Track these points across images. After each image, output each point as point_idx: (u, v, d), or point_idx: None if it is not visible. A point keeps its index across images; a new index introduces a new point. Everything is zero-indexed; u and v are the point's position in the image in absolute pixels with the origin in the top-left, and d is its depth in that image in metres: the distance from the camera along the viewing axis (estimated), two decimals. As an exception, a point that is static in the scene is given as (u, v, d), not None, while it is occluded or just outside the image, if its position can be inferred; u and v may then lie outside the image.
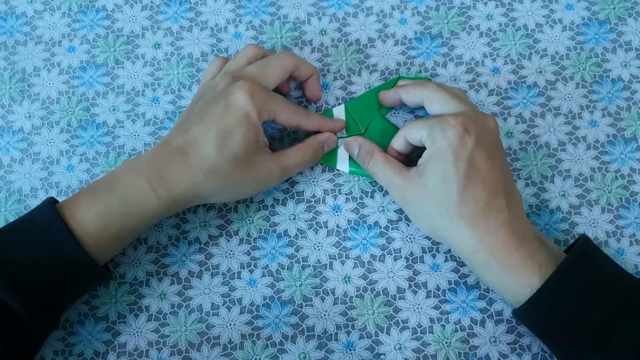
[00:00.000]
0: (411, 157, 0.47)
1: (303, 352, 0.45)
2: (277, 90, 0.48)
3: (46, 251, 0.40)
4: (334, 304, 0.46)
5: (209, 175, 0.42)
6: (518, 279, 0.40)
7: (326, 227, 0.48)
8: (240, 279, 0.47)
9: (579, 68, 0.51)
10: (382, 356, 0.45)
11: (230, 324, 0.46)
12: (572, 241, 0.46)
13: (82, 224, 0.40)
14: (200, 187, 0.42)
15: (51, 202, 0.41)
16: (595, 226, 0.47)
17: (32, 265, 0.39)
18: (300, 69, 0.47)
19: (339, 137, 0.49)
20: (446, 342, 0.45)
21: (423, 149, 0.43)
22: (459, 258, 0.47)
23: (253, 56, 0.47)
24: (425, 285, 0.47)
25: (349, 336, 0.46)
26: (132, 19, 0.54)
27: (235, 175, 0.43)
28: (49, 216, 0.40)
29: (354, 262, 0.47)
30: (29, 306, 0.39)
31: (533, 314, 0.40)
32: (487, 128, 0.43)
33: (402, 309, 0.46)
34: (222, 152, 0.41)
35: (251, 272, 0.47)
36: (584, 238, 0.42)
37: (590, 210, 0.48)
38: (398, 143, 0.46)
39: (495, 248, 0.40)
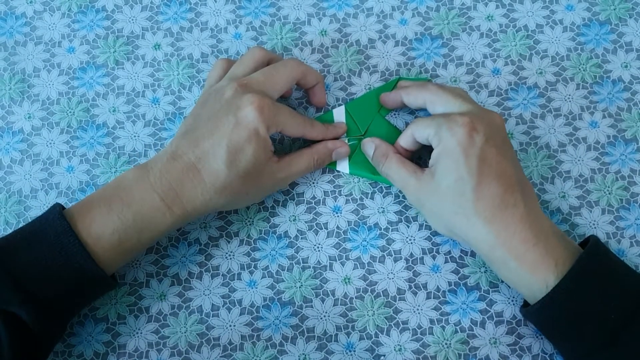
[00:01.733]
0: (415, 157, 0.47)
1: (303, 354, 0.45)
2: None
3: (59, 264, 0.40)
4: (334, 305, 0.46)
5: (221, 191, 0.42)
6: (534, 274, 0.40)
7: (326, 229, 0.48)
8: (241, 280, 0.47)
9: (580, 69, 0.51)
10: (382, 357, 0.45)
11: (230, 325, 0.46)
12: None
13: (98, 240, 0.40)
14: (213, 202, 0.43)
15: (61, 213, 0.41)
16: (595, 227, 0.47)
17: (44, 278, 0.39)
18: (307, 77, 0.47)
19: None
20: (446, 344, 0.45)
21: (431, 147, 0.43)
22: (460, 259, 0.47)
23: (260, 60, 0.47)
24: (425, 286, 0.47)
25: (349, 337, 0.46)
26: (132, 19, 0.54)
27: (246, 188, 0.43)
28: (60, 229, 0.40)
29: (354, 264, 0.47)
30: (40, 318, 0.39)
31: (546, 313, 0.40)
32: (494, 124, 0.42)
33: (402, 310, 0.46)
34: (233, 169, 0.42)
35: (251, 273, 0.47)
36: (594, 238, 0.42)
37: (591, 212, 0.48)
38: (405, 140, 0.46)
39: (513, 244, 0.40)
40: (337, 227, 0.48)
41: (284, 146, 0.50)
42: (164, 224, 0.42)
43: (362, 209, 0.48)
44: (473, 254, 0.47)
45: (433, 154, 0.42)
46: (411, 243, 0.48)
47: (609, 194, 0.48)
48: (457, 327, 0.46)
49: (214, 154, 0.42)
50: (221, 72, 0.47)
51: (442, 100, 0.44)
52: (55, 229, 0.40)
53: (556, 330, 0.41)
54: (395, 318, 0.46)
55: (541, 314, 0.41)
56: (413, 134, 0.45)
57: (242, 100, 0.42)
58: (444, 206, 0.42)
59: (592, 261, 0.40)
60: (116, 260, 0.42)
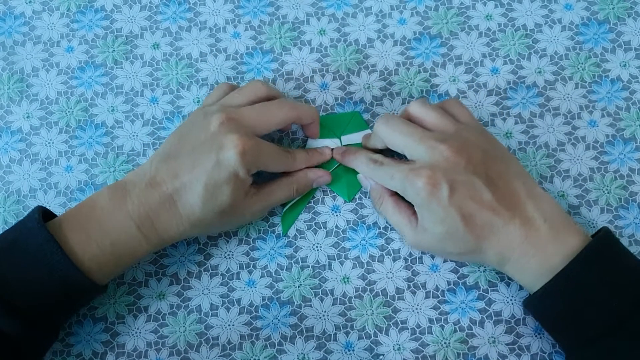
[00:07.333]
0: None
1: (302, 353, 0.45)
2: None
3: (43, 275, 0.39)
4: (333, 304, 0.46)
5: (196, 224, 0.43)
6: (543, 272, 0.41)
7: (325, 228, 0.48)
8: (239, 279, 0.47)
9: (578, 68, 0.51)
10: (381, 357, 0.45)
11: (229, 325, 0.46)
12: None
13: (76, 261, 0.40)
14: (187, 233, 0.44)
15: (41, 222, 0.40)
16: (594, 226, 0.47)
17: (28, 289, 0.39)
18: (302, 119, 0.47)
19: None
20: (445, 343, 0.45)
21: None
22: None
23: (260, 95, 0.46)
24: (424, 285, 0.47)
25: (347, 337, 0.46)
26: (131, 19, 0.54)
27: (221, 223, 0.44)
28: (41, 239, 0.39)
29: (353, 263, 0.47)
30: (26, 329, 0.39)
31: (548, 300, 0.41)
32: (449, 158, 0.41)
33: (401, 310, 0.46)
34: (208, 205, 0.42)
35: (250, 272, 0.47)
36: (606, 228, 0.42)
37: (590, 211, 0.48)
38: (361, 177, 0.48)
39: (521, 257, 0.41)
40: (336, 227, 0.48)
41: (283, 145, 0.50)
42: (141, 251, 0.43)
43: (360, 208, 0.48)
44: (472, 253, 0.47)
45: (415, 208, 0.43)
46: (410, 242, 0.47)
47: (608, 193, 0.48)
48: (456, 327, 0.46)
49: (192, 189, 0.42)
50: (222, 95, 0.47)
51: (402, 144, 0.44)
52: (36, 240, 0.40)
53: (558, 317, 0.41)
54: (394, 317, 0.46)
55: (543, 301, 0.41)
56: (375, 179, 0.46)
57: (226, 139, 0.41)
58: (446, 249, 0.43)
59: (599, 250, 0.40)
60: (99, 272, 0.42)
